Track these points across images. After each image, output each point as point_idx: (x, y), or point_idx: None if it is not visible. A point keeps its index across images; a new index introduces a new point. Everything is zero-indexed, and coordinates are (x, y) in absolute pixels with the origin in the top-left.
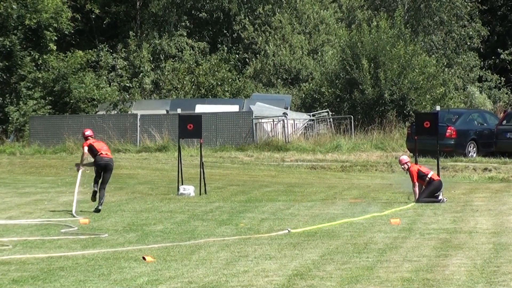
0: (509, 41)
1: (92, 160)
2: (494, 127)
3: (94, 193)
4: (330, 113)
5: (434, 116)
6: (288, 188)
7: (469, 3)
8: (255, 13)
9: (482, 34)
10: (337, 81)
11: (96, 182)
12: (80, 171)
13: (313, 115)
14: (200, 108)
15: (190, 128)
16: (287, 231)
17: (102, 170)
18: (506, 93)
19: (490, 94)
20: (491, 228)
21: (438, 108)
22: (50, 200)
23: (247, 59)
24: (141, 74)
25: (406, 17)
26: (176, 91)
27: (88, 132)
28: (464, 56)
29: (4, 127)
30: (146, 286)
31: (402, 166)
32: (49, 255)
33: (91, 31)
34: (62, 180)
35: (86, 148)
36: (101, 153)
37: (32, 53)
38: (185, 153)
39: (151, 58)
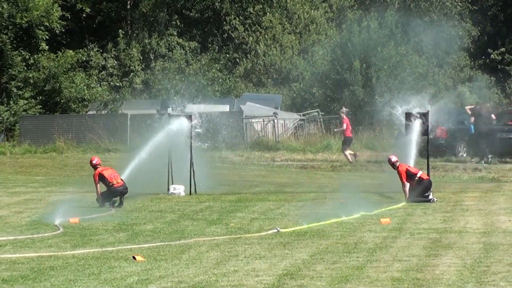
0: (500, 41)
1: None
2: None
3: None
4: (321, 113)
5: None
6: (278, 187)
7: (459, 3)
8: (246, 13)
9: (473, 34)
10: (327, 81)
11: (109, 201)
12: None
13: (304, 115)
14: (190, 108)
15: None
16: (276, 230)
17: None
18: (496, 93)
19: (481, 94)
20: (481, 228)
21: (428, 108)
22: (40, 199)
23: (237, 59)
24: (131, 73)
25: (396, 17)
26: (166, 90)
27: (95, 161)
28: (455, 56)
29: None
30: (136, 285)
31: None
32: (39, 254)
33: (81, 31)
34: (52, 179)
35: (98, 187)
36: (113, 184)
37: (22, 53)
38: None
39: (141, 58)
